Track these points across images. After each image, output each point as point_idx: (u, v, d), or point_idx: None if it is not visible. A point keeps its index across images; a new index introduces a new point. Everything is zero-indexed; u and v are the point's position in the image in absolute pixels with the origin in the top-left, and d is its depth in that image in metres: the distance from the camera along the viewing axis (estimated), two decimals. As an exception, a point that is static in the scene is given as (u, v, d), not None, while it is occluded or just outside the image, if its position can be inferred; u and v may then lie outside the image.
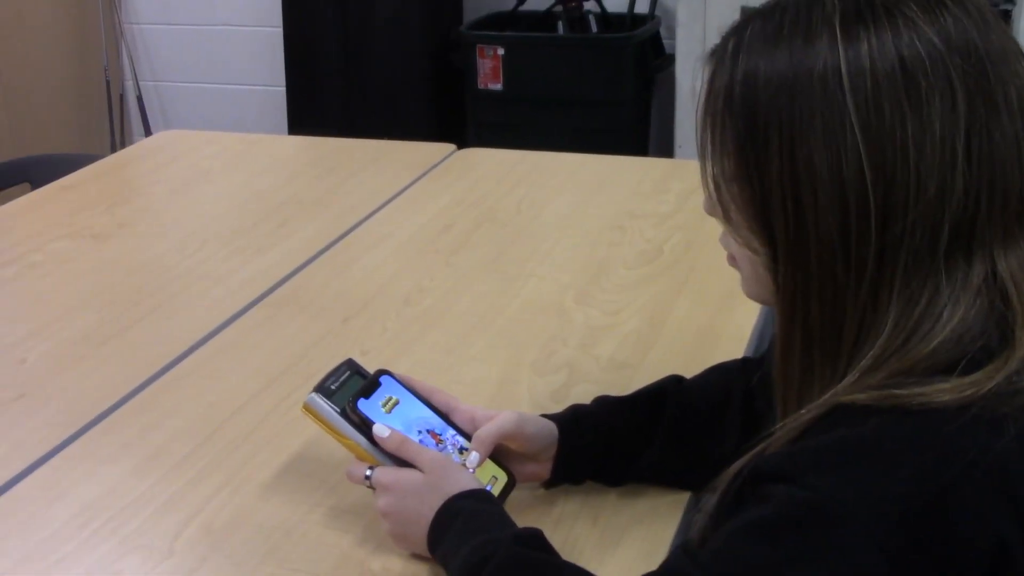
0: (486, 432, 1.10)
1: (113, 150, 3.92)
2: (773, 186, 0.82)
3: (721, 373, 1.19)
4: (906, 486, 0.75)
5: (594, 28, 3.58)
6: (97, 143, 4.03)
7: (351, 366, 1.14)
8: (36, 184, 2.21)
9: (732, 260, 0.93)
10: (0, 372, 1.45)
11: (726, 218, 0.88)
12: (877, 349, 0.82)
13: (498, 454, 1.12)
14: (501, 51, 3.45)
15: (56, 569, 1.08)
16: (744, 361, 1.21)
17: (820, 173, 0.80)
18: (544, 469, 1.14)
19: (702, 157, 0.88)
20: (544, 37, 3.55)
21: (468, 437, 1.12)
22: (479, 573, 0.94)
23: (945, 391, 0.78)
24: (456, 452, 1.10)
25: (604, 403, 1.17)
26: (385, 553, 1.08)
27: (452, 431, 1.12)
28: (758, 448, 0.84)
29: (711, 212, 0.91)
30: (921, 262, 0.81)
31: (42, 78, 3.88)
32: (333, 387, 1.10)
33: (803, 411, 0.83)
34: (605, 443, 1.14)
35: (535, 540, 0.97)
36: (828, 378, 0.85)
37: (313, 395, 1.09)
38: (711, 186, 0.88)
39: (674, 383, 1.17)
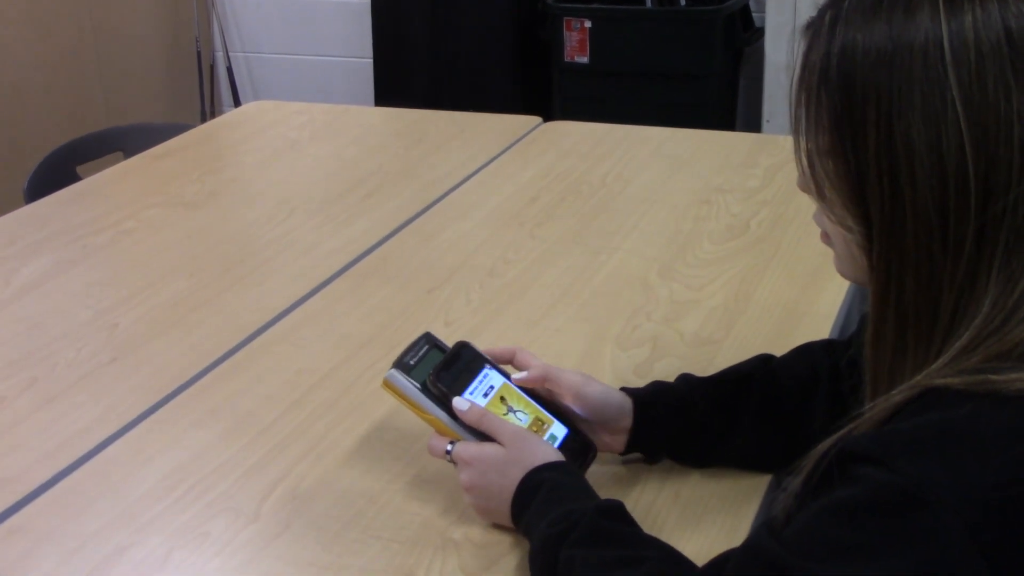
0: (536, 371, 1.12)
1: (203, 120, 3.97)
2: (869, 162, 0.80)
3: (808, 355, 1.17)
4: (1001, 474, 0.73)
5: (682, 1, 3.53)
6: (188, 113, 4.09)
7: (428, 339, 1.14)
8: (129, 153, 2.25)
9: (825, 238, 0.91)
10: (93, 337, 1.48)
11: (820, 195, 0.87)
12: (973, 331, 0.80)
13: (576, 423, 1.12)
14: (588, 24, 3.43)
15: (146, 529, 1.10)
16: (829, 343, 1.19)
17: (918, 149, 0.78)
18: (616, 441, 1.13)
19: (796, 132, 0.87)
20: (632, 10, 3.51)
21: (547, 406, 1.12)
22: (561, 544, 0.94)
23: (1045, 377, 0.76)
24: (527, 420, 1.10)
25: (686, 381, 1.16)
26: (466, 523, 1.08)
27: (533, 401, 1.12)
28: (846, 428, 0.83)
29: (805, 188, 0.89)
30: (1022, 241, 0.78)
31: (135, 49, 3.94)
32: (412, 362, 1.10)
33: (893, 392, 0.82)
34: (683, 420, 1.13)
35: (617, 512, 0.97)
36: (921, 359, 0.83)
37: (393, 371, 1.10)
38: (805, 162, 0.87)
39: (761, 365, 1.16)
